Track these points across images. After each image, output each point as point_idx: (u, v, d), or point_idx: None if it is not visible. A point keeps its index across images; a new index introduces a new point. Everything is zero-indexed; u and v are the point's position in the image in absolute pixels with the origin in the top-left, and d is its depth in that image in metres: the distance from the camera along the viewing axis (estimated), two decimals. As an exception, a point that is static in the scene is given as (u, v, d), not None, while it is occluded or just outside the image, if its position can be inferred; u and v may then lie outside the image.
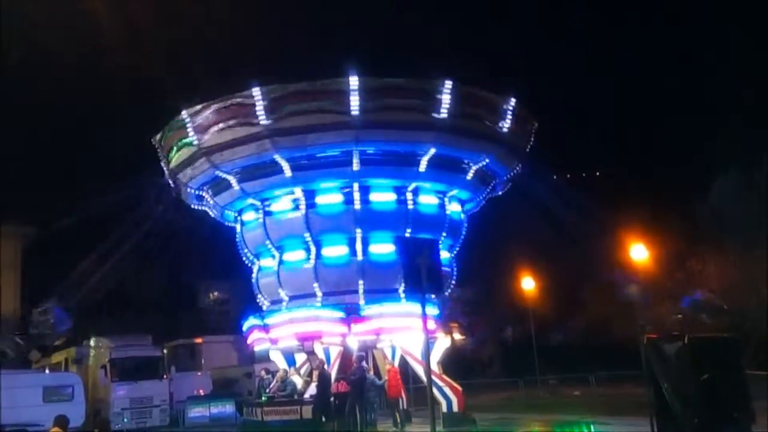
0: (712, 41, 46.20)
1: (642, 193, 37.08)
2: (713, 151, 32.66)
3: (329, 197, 21.75)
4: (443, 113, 20.41)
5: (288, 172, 21.18)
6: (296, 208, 21.85)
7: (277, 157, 20.91)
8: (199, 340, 35.07)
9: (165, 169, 23.97)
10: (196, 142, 21.60)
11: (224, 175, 22.14)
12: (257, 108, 20.17)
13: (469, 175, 22.59)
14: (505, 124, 21.91)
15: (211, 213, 24.80)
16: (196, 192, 23.70)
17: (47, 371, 29.81)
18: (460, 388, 21.68)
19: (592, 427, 20.67)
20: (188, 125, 21.64)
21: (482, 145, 21.93)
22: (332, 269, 21.77)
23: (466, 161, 22.31)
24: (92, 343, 28.97)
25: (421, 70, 21.34)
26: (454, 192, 23.11)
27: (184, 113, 21.65)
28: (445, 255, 22.17)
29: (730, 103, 34.29)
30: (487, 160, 22.33)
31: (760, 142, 28.67)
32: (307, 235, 21.65)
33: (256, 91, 20.18)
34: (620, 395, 26.29)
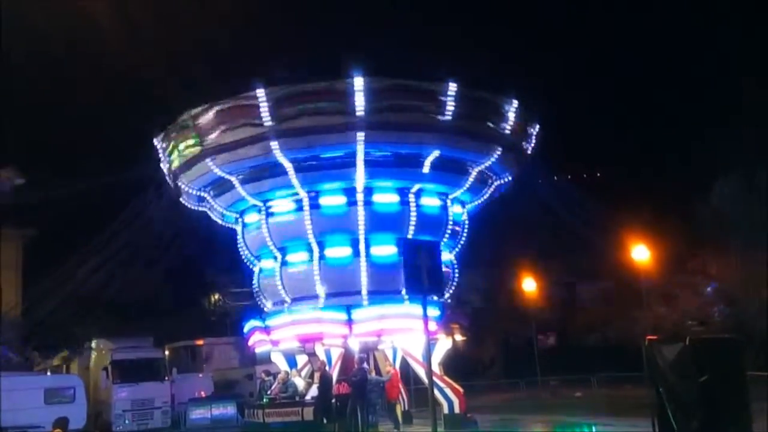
0: (714, 42, 46.22)
1: (643, 195, 37.11)
2: (714, 153, 32.67)
3: (332, 198, 21.66)
4: (447, 115, 20.33)
5: (292, 174, 21.09)
6: (299, 209, 21.78)
7: (281, 159, 20.81)
8: (200, 342, 35.05)
9: (166, 170, 23.96)
10: (199, 143, 21.52)
11: (227, 177, 22.04)
12: (261, 109, 20.03)
13: (471, 177, 22.56)
14: (507, 126, 21.87)
15: (211, 215, 24.78)
16: (198, 193, 23.68)
17: (48, 373, 29.83)
18: (461, 389, 21.68)
19: (593, 428, 20.68)
20: (192, 126, 21.55)
21: (485, 146, 21.86)
22: (335, 270, 21.70)
23: (468, 163, 22.25)
24: (93, 344, 28.98)
25: (423, 69, 21.09)
26: (457, 194, 23.06)
27: (188, 114, 21.56)
28: (446, 256, 22.18)
29: (732, 104, 34.31)
30: (490, 162, 22.28)
31: (762, 143, 28.68)
32: (310, 236, 21.65)
33: (260, 92, 20.03)
34: (622, 396, 26.31)
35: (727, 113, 34.41)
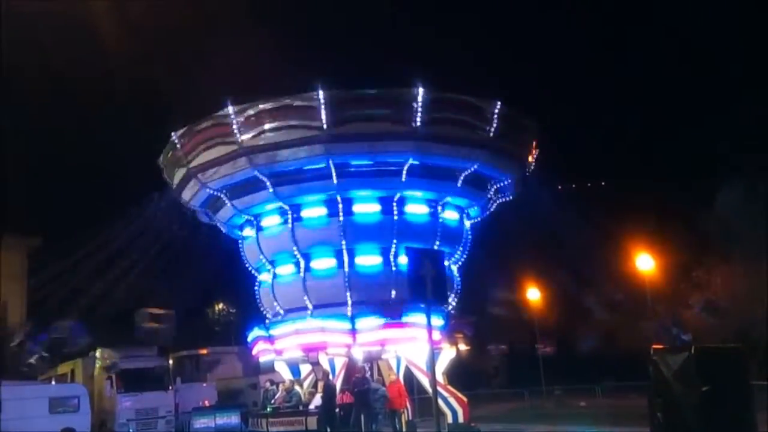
0: (717, 50, 46.29)
1: (648, 203, 37.05)
2: (719, 161, 32.66)
3: (314, 210, 21.83)
4: (418, 122, 20.02)
5: (270, 188, 21.38)
6: (284, 222, 22.03)
7: (257, 174, 21.14)
8: (204, 351, 35.05)
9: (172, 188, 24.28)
10: (185, 163, 22.08)
11: (216, 193, 22.51)
12: (233, 126, 20.50)
13: (459, 182, 22.04)
14: (491, 128, 21.20)
15: (222, 229, 25.10)
16: (199, 210, 24.05)
17: (53, 382, 29.84)
18: (465, 398, 21.67)
19: (598, 438, 20.60)
20: (177, 146, 22.15)
21: (465, 151, 21.31)
22: (321, 282, 21.85)
23: (453, 168, 21.83)
24: (98, 353, 28.99)
25: (425, 79, 20.83)
26: (448, 199, 22.66)
27: (173, 135, 22.14)
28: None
29: (736, 112, 34.32)
30: (476, 166, 21.73)
31: (764, 151, 28.64)
32: (294, 248, 21.76)
33: (230, 110, 20.49)
34: (626, 406, 26.18)
35: (731, 121, 34.43)
